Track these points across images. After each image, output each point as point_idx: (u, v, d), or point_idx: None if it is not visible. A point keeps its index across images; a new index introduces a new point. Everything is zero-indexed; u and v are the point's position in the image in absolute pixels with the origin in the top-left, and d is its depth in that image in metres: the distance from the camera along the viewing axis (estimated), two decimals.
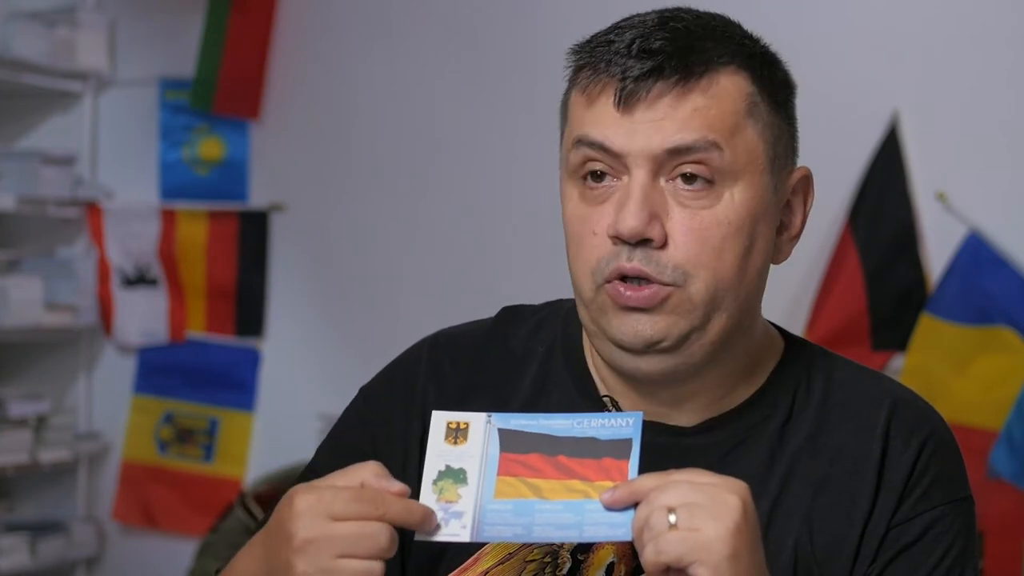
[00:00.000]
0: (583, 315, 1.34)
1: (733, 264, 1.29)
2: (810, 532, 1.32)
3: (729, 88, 1.28)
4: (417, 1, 4.07)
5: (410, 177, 4.06)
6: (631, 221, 1.26)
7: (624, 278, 1.29)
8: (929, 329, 3.48)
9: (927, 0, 3.58)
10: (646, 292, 1.28)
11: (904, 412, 1.36)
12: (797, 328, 3.50)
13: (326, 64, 4.14)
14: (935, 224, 3.53)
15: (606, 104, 1.28)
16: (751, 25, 1.37)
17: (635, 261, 1.27)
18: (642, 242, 1.27)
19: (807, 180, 1.37)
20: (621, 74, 1.27)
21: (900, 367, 3.49)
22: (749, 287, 1.32)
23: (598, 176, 1.30)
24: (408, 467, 1.39)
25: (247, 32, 4.13)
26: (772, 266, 1.38)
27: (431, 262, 4.03)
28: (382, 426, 1.42)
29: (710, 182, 1.28)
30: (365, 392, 1.47)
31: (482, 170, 3.97)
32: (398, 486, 1.21)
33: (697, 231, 1.28)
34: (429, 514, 1.21)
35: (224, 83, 4.13)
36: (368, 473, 1.21)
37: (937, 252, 3.52)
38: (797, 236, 1.38)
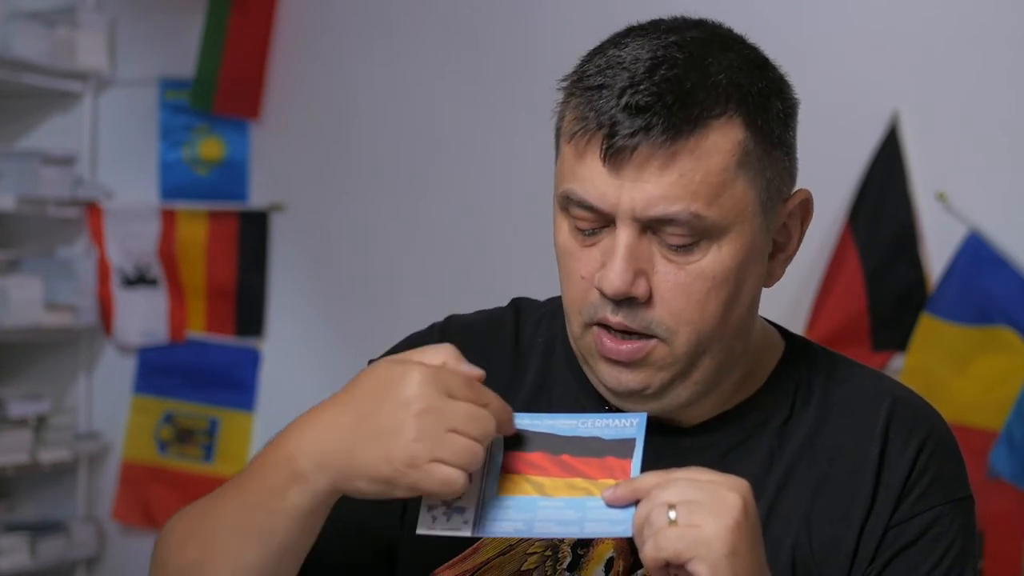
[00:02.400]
0: (573, 344, 1.35)
1: (716, 315, 1.28)
2: (808, 532, 1.32)
3: (720, 143, 1.26)
4: (417, 1, 4.07)
5: (410, 177, 4.06)
6: (616, 282, 1.26)
7: (608, 326, 1.29)
8: (929, 329, 3.48)
9: (927, 0, 3.59)
10: (627, 348, 1.28)
11: (903, 411, 1.36)
12: (797, 328, 3.48)
13: (326, 64, 4.14)
14: (935, 224, 3.53)
15: (593, 157, 1.26)
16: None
17: (619, 316, 1.27)
18: (626, 299, 1.27)
19: (806, 203, 1.35)
20: (609, 128, 1.25)
21: (900, 367, 3.49)
22: (736, 327, 1.31)
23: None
24: None
25: (247, 32, 4.13)
26: (772, 286, 1.37)
27: (431, 262, 4.03)
28: None
29: (697, 236, 1.26)
30: (382, 357, 1.47)
31: (482, 170, 3.97)
32: (477, 371, 1.24)
33: (682, 286, 1.27)
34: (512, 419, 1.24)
35: (224, 83, 4.13)
36: (448, 355, 1.23)
37: (937, 252, 3.52)
38: (791, 256, 1.37)
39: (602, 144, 1.25)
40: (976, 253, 3.47)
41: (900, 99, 3.56)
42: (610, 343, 1.29)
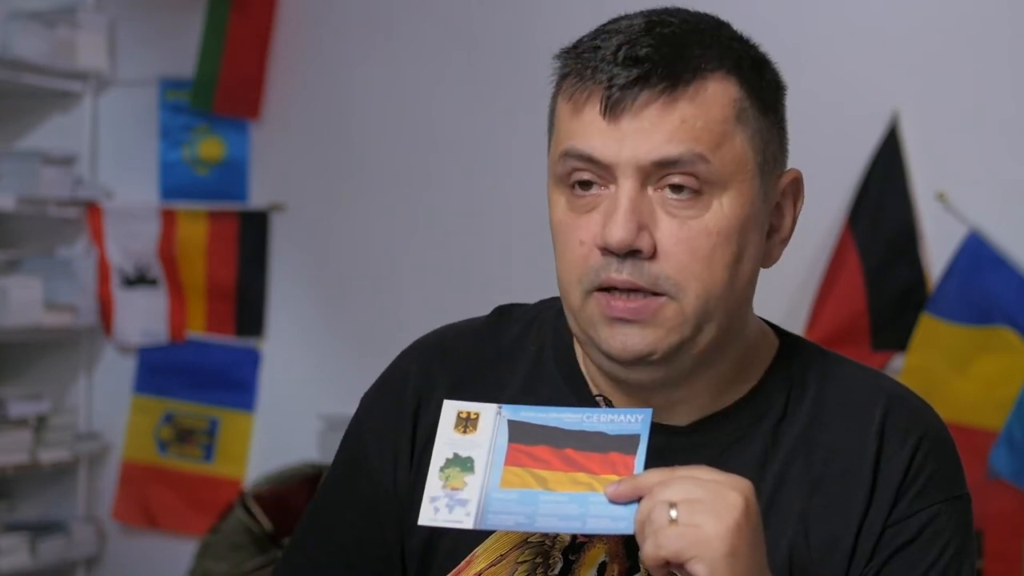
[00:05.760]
0: (571, 323, 1.33)
1: (723, 274, 1.27)
2: (805, 531, 1.31)
3: (717, 95, 1.26)
4: (417, 2, 4.07)
5: (410, 177, 4.06)
6: (619, 232, 1.24)
7: (613, 289, 1.27)
8: (929, 329, 3.48)
9: (927, 0, 3.59)
10: (635, 305, 1.26)
11: (899, 410, 1.35)
12: (797, 328, 3.49)
13: (326, 64, 4.14)
14: (935, 224, 3.54)
15: (592, 112, 1.26)
16: (750, 26, 1.37)
17: (624, 273, 1.26)
18: (631, 253, 1.25)
19: (797, 183, 1.36)
20: (607, 82, 1.25)
21: (900, 367, 3.49)
22: (739, 295, 1.30)
23: (585, 184, 1.28)
24: (399, 470, 1.40)
25: (247, 32, 4.13)
26: (770, 267, 1.37)
27: (431, 262, 4.03)
28: (373, 435, 1.43)
29: (698, 191, 1.26)
30: (362, 401, 1.48)
31: (482, 170, 3.98)
32: None
33: (686, 241, 1.26)
34: None
35: (224, 83, 4.13)
36: None
37: (937, 252, 3.52)
38: (787, 239, 1.36)
39: (601, 97, 1.25)
40: (976, 253, 3.47)
41: (900, 99, 3.56)
42: (616, 302, 1.27)
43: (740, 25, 1.36)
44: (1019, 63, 3.52)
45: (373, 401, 1.46)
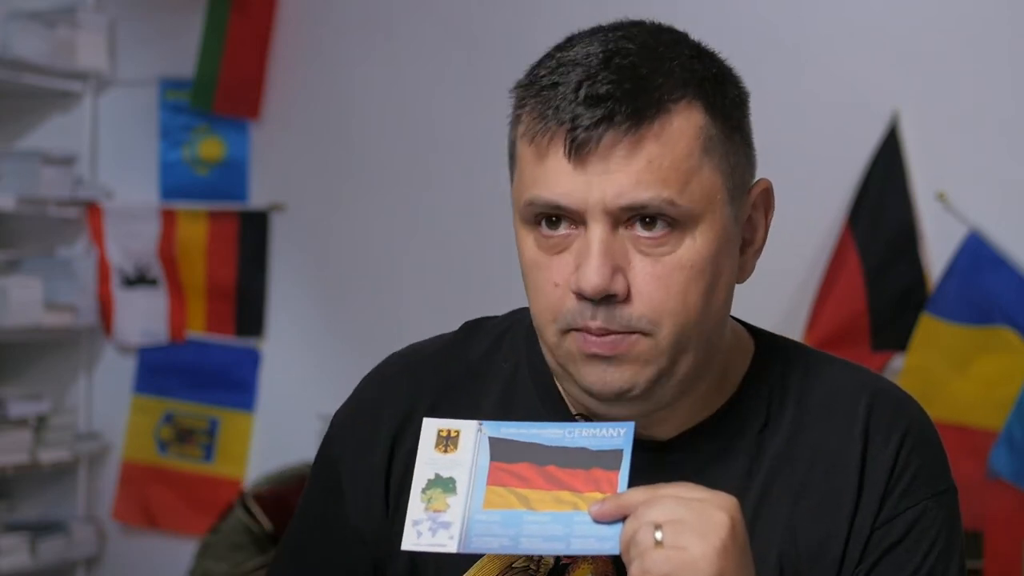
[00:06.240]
0: (548, 357, 1.31)
1: (697, 305, 1.25)
2: (794, 540, 1.30)
3: (683, 128, 1.24)
4: (417, 2, 4.07)
5: (410, 177, 4.06)
6: (594, 279, 1.22)
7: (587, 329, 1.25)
8: (929, 329, 3.48)
9: (927, 0, 3.59)
10: (609, 339, 1.24)
11: (882, 407, 1.34)
12: (797, 328, 3.50)
13: (326, 64, 4.14)
14: (935, 224, 3.53)
15: (556, 156, 1.23)
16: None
17: (599, 319, 1.23)
18: (605, 298, 1.23)
19: (767, 192, 1.33)
20: (571, 123, 1.22)
21: (900, 367, 3.49)
22: (714, 319, 1.29)
23: (553, 223, 1.26)
24: (373, 497, 1.38)
25: (247, 32, 4.13)
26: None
27: (431, 262, 4.03)
28: (347, 461, 1.41)
29: (670, 226, 1.24)
30: (335, 421, 1.46)
31: (482, 170, 3.97)
32: None
33: (661, 278, 1.24)
34: None
35: (224, 83, 4.13)
36: None
37: (937, 252, 3.52)
38: (760, 249, 1.34)
39: (565, 139, 1.22)
40: (976, 253, 3.47)
41: (900, 99, 3.56)
42: (593, 337, 1.24)
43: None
44: (1019, 63, 3.52)
45: (347, 429, 1.44)
